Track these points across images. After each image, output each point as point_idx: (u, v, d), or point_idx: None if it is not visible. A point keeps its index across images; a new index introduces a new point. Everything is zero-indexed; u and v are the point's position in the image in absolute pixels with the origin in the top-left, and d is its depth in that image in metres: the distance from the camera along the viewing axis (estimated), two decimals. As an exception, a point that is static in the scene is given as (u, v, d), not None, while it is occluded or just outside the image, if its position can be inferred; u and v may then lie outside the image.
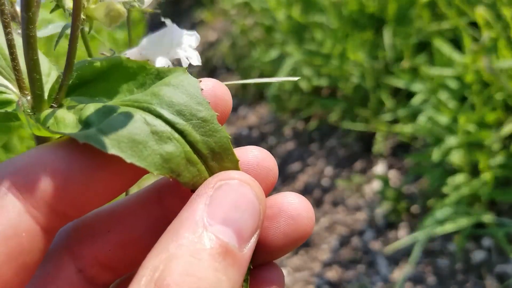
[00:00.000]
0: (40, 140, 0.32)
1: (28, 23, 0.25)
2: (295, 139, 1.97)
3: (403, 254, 1.39)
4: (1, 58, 0.30)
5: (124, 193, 0.36)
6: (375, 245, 1.46)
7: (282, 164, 1.88)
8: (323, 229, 1.57)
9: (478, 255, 1.31)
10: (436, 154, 1.30)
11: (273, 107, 2.12)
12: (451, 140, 1.29)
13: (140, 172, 0.27)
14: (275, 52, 2.02)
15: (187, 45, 0.38)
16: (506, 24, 1.22)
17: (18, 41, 0.27)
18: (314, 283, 1.42)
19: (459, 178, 1.29)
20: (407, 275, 1.32)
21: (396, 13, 1.63)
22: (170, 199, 0.30)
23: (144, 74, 0.28)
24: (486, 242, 1.33)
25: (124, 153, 0.24)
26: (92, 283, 0.29)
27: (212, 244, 0.24)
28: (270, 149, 2.00)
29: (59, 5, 0.28)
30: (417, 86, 1.45)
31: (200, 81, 0.28)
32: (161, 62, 0.37)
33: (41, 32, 0.34)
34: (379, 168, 1.68)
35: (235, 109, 2.30)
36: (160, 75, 0.28)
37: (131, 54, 0.41)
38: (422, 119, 1.39)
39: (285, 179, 1.81)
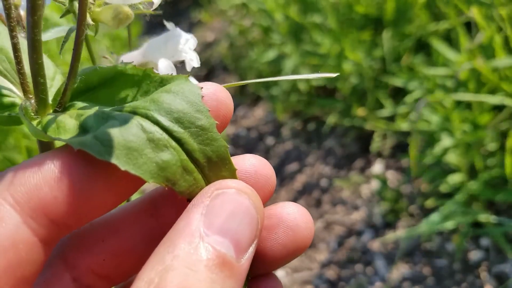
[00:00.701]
0: (42, 143, 0.32)
1: (33, 27, 0.25)
2: (294, 139, 1.97)
3: (401, 254, 1.39)
4: (6, 61, 0.30)
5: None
6: (373, 245, 1.46)
7: (280, 164, 1.88)
8: (321, 229, 1.57)
9: (476, 255, 1.31)
10: (430, 157, 1.31)
11: (271, 107, 2.12)
12: (447, 141, 1.29)
13: (139, 181, 0.26)
14: (273, 52, 2.02)
15: (187, 47, 0.39)
16: (502, 23, 1.23)
17: (23, 44, 0.27)
18: (312, 283, 1.43)
19: (456, 177, 1.29)
20: (405, 275, 1.32)
21: (394, 14, 1.63)
22: (164, 209, 0.30)
23: (148, 82, 0.28)
24: (484, 241, 1.33)
25: (119, 160, 0.24)
26: None
27: (209, 255, 0.23)
28: (268, 149, 2.00)
29: (69, 10, 0.28)
30: (413, 85, 1.46)
31: (202, 88, 0.27)
32: (163, 64, 0.37)
33: (46, 36, 0.34)
34: (377, 168, 1.68)
35: (233, 109, 2.29)
36: (163, 82, 0.28)
37: (133, 57, 0.41)
38: (414, 115, 1.39)
39: (283, 180, 1.82)
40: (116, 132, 0.24)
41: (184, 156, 0.25)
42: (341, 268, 1.44)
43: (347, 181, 1.68)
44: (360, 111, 1.73)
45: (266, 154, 1.97)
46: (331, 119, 1.83)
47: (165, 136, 0.25)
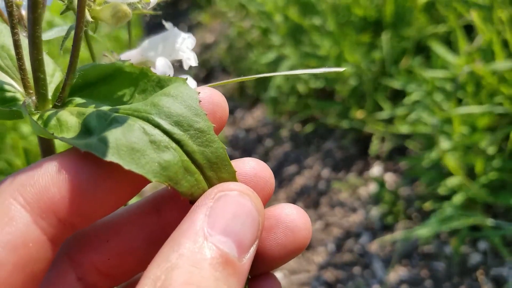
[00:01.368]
0: (43, 139, 0.33)
1: (34, 24, 0.26)
2: (292, 142, 1.98)
3: (399, 257, 1.39)
4: (7, 58, 0.31)
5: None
6: (371, 247, 1.46)
7: (279, 167, 1.89)
8: (319, 232, 1.57)
9: (474, 258, 1.32)
10: (427, 160, 1.31)
11: (270, 109, 2.12)
12: (445, 144, 1.30)
13: (142, 182, 0.27)
14: (272, 54, 2.03)
15: (185, 47, 0.39)
16: (501, 26, 1.23)
17: (24, 42, 0.28)
18: (310, 285, 1.43)
19: (454, 180, 1.29)
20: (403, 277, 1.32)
21: (393, 16, 1.64)
22: (167, 211, 0.31)
23: (145, 81, 0.29)
24: (482, 245, 1.33)
25: (123, 160, 0.25)
26: None
27: (213, 254, 0.24)
28: (267, 151, 2.00)
29: (69, 7, 0.29)
30: (412, 87, 1.46)
31: (199, 92, 0.28)
32: (161, 63, 0.37)
33: (47, 35, 0.35)
34: (375, 170, 1.68)
35: (232, 111, 2.30)
36: (160, 82, 0.29)
37: (132, 55, 0.41)
38: (413, 116, 1.40)
39: (282, 182, 1.82)
40: (119, 135, 0.25)
41: (185, 157, 0.26)
42: (339, 270, 1.44)
43: (345, 183, 1.68)
44: (359, 114, 1.73)
45: (264, 155, 1.98)
46: (330, 121, 1.84)
47: (166, 138, 0.26)
